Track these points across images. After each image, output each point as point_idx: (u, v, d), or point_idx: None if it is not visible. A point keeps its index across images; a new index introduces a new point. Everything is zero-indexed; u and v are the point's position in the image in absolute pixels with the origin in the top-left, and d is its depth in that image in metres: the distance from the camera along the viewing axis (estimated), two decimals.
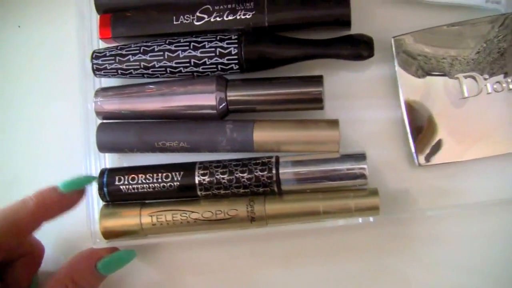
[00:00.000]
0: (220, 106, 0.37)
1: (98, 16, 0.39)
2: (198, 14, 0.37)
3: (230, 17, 0.37)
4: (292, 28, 0.38)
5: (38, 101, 0.43)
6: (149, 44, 0.38)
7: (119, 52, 0.38)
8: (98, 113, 0.39)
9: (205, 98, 0.37)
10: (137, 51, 0.37)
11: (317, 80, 0.36)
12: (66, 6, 0.42)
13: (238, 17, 0.37)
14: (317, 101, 0.36)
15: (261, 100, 0.37)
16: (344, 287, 0.39)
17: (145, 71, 0.38)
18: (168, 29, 0.38)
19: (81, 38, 0.39)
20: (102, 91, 0.39)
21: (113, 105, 0.38)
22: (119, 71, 0.38)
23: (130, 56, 0.38)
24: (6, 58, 0.44)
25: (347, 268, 0.39)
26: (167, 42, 0.37)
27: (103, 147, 0.39)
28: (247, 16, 0.37)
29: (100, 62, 0.38)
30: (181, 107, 0.37)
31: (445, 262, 0.38)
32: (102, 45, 0.40)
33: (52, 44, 0.44)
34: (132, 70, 0.38)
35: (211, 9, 0.37)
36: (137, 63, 0.37)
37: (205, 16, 0.37)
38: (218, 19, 0.37)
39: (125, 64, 0.38)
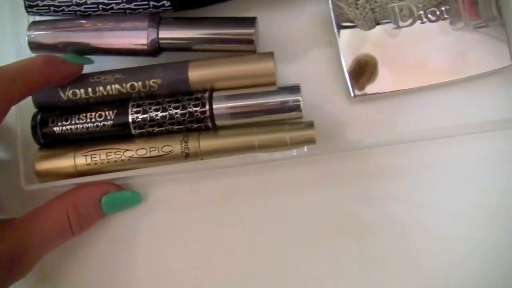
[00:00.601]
0: (152, 44, 0.36)
1: None
2: None
3: None
4: None
5: None
6: None
7: None
8: (31, 47, 0.38)
9: (137, 35, 0.36)
10: None
11: (251, 21, 0.36)
12: None
13: None
14: (249, 43, 0.36)
15: (193, 39, 0.36)
16: (286, 223, 0.38)
17: (77, 8, 0.37)
18: None
19: None
20: (35, 25, 0.38)
21: (46, 38, 0.37)
22: (51, 8, 0.37)
23: None
24: None
25: (287, 205, 0.38)
26: None
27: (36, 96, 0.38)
28: None
29: None
30: (114, 43, 0.37)
31: (388, 195, 0.37)
32: None
33: None
34: (64, 7, 0.37)
35: None
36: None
37: None
38: None
39: (57, 0, 0.37)
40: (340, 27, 0.37)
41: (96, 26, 0.37)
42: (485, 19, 0.36)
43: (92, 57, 0.38)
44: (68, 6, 0.37)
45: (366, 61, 0.36)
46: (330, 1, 0.37)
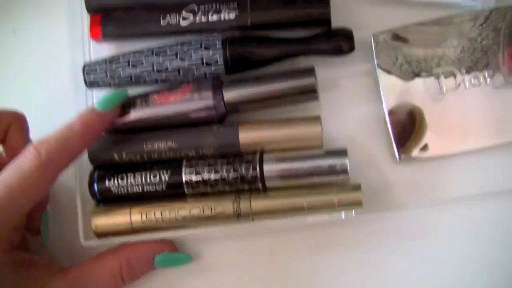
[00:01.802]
0: (219, 108, 0.38)
1: (89, 16, 0.40)
2: (184, 13, 0.39)
3: (214, 17, 0.38)
4: (274, 27, 0.38)
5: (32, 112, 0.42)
6: (137, 56, 0.39)
7: (109, 66, 0.39)
8: None
9: (202, 102, 0.38)
10: (126, 64, 0.39)
11: (309, 71, 0.37)
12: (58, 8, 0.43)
13: (222, 17, 0.38)
14: (311, 91, 0.37)
15: (258, 97, 0.38)
16: (331, 282, 0.39)
17: (136, 83, 0.39)
18: (155, 29, 0.39)
19: (73, 39, 0.41)
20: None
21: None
22: (111, 84, 0.39)
23: (120, 70, 0.39)
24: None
25: (332, 263, 0.39)
26: (153, 53, 0.38)
27: (94, 157, 0.40)
28: (231, 17, 0.38)
29: (92, 77, 0.39)
30: (181, 112, 0.38)
31: (430, 256, 0.39)
32: (94, 46, 0.41)
33: (44, 49, 0.44)
34: (124, 83, 0.39)
35: (196, 9, 0.39)
36: (128, 76, 0.39)
37: (191, 15, 0.38)
38: (203, 19, 0.38)
39: (116, 78, 0.39)
40: (385, 91, 0.38)
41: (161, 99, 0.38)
42: None
43: None
44: (127, 81, 0.39)
45: (411, 125, 0.38)
46: (376, 65, 0.38)
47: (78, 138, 0.35)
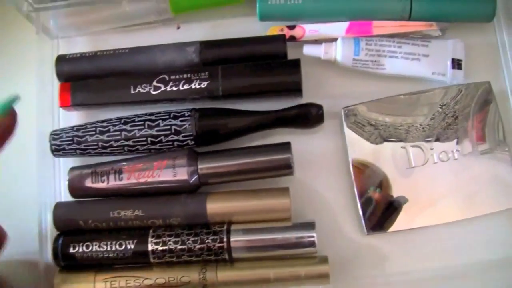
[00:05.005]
0: (192, 180, 0.37)
1: (59, 84, 0.40)
2: (155, 83, 0.38)
3: (185, 87, 0.38)
4: (245, 96, 0.39)
5: None
6: (105, 124, 0.38)
7: (76, 133, 0.38)
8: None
9: (178, 173, 0.37)
10: (93, 132, 0.38)
11: (285, 147, 0.37)
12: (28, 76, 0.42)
13: (193, 87, 0.38)
14: (287, 167, 0.37)
15: (233, 170, 0.37)
16: None
17: (104, 150, 0.38)
18: (125, 98, 0.39)
19: (42, 107, 0.40)
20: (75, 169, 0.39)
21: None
22: (77, 151, 0.39)
23: (88, 136, 0.38)
24: None
25: None
26: (122, 121, 0.38)
27: (59, 224, 0.39)
28: (202, 86, 0.38)
29: (58, 143, 0.39)
30: (155, 182, 0.38)
31: None
32: (63, 114, 0.41)
33: None
34: (90, 150, 0.39)
35: (167, 79, 0.38)
36: (95, 143, 0.38)
37: (162, 85, 0.38)
38: (174, 88, 0.38)
39: (83, 144, 0.38)
40: (354, 164, 0.38)
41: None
42: (491, 144, 0.37)
43: None
44: (94, 149, 0.38)
45: (380, 200, 0.38)
46: (346, 140, 0.38)
47: None
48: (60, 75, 0.40)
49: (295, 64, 0.38)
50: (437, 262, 0.38)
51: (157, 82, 0.38)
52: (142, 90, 0.38)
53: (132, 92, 0.39)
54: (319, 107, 0.38)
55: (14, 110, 0.33)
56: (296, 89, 0.38)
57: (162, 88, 0.38)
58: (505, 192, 0.37)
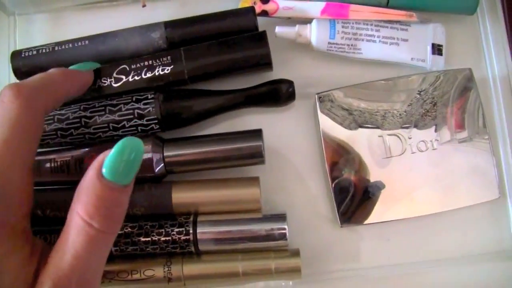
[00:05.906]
0: (158, 168, 0.35)
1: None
2: (115, 75, 0.36)
3: (148, 75, 0.36)
4: (213, 75, 0.36)
5: None
6: (63, 112, 0.36)
7: None
8: None
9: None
10: (51, 120, 0.35)
11: (257, 134, 0.35)
12: None
13: (157, 73, 0.35)
14: (258, 156, 0.35)
15: (201, 158, 0.35)
16: None
17: (63, 140, 0.36)
18: (86, 95, 0.36)
19: None
20: None
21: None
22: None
23: (45, 125, 0.35)
24: None
25: None
26: (81, 108, 0.36)
27: None
28: (166, 71, 0.35)
29: None
30: None
31: None
32: None
33: None
34: (49, 140, 0.36)
35: (128, 69, 0.36)
36: (54, 132, 0.35)
37: (123, 76, 0.36)
38: (136, 78, 0.36)
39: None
40: (329, 154, 0.36)
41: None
42: (470, 132, 0.36)
43: None
44: (53, 138, 0.36)
45: (355, 191, 0.36)
46: (320, 127, 0.36)
47: (57, 78, 0.31)
48: (17, 72, 0.37)
49: (262, 36, 0.35)
50: (413, 256, 0.37)
51: (117, 73, 0.36)
52: (102, 84, 0.36)
53: (93, 87, 0.36)
54: (290, 83, 0.36)
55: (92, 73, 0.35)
56: (265, 63, 0.35)
57: (124, 80, 0.36)
58: (485, 184, 0.36)
